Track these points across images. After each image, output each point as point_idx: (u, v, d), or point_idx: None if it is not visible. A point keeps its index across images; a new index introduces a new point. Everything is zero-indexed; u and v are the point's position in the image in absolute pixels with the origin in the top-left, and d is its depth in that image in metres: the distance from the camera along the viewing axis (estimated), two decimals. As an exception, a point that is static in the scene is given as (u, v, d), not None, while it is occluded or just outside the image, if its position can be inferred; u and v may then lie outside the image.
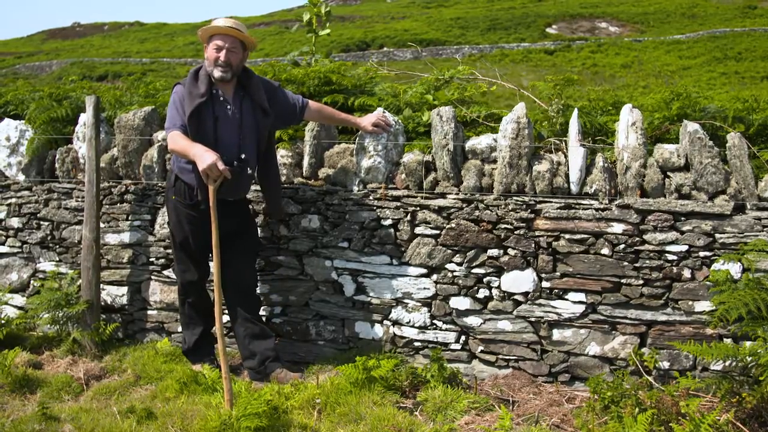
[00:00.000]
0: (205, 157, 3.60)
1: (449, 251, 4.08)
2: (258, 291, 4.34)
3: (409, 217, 4.13)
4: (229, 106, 3.90)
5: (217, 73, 3.83)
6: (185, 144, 3.72)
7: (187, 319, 4.29)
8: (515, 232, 3.95)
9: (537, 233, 3.92)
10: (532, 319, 4.01)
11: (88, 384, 4.10)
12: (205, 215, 3.79)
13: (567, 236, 3.87)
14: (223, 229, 3.86)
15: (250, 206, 4.33)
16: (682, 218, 3.72)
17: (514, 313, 4.02)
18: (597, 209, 3.81)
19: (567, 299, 3.94)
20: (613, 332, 3.90)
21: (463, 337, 4.16)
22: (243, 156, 3.88)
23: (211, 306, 3.95)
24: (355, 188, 4.25)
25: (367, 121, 4.13)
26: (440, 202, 4.07)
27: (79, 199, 4.80)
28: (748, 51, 26.80)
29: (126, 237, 4.71)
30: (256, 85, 3.95)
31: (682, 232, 3.72)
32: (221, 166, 3.60)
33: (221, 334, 3.60)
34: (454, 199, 4.04)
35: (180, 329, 4.58)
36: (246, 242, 4.16)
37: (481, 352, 4.12)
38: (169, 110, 3.91)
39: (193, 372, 4.00)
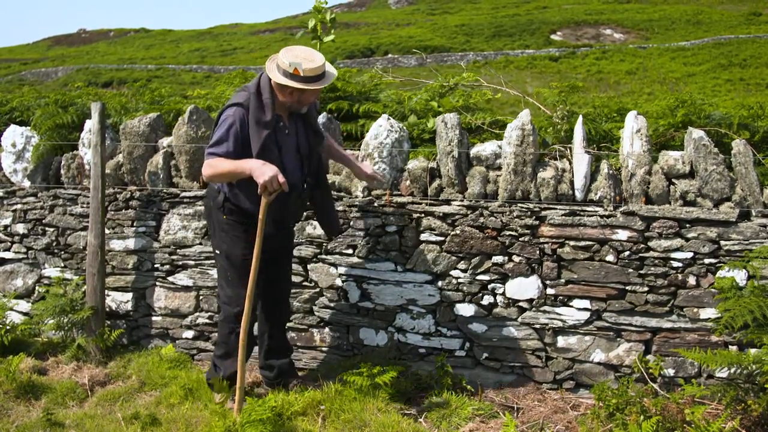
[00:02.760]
0: (264, 170, 3.39)
1: (454, 258, 4.08)
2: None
3: (413, 224, 4.13)
4: (287, 131, 3.74)
5: (304, 110, 3.72)
6: (233, 165, 3.46)
7: (230, 349, 3.87)
8: (520, 239, 3.95)
9: (542, 240, 3.92)
10: (537, 326, 4.00)
11: (93, 390, 4.11)
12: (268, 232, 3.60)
13: (572, 243, 3.87)
14: (275, 245, 3.80)
15: None
16: (687, 225, 3.72)
17: (519, 319, 4.02)
18: (602, 216, 3.81)
19: (572, 306, 3.93)
20: (618, 339, 3.89)
21: (467, 344, 4.15)
22: (308, 180, 3.79)
23: (253, 335, 3.99)
24: (360, 194, 4.25)
25: (367, 168, 3.95)
26: (445, 208, 4.07)
27: (85, 205, 4.82)
28: (753, 58, 26.79)
29: (131, 243, 4.73)
30: (312, 108, 3.82)
31: (687, 239, 3.71)
32: (281, 178, 3.40)
33: (243, 346, 3.51)
34: (459, 205, 4.05)
35: (185, 335, 4.60)
36: (289, 258, 4.13)
37: (486, 358, 4.11)
38: (221, 131, 3.55)
39: (197, 378, 4.00)
